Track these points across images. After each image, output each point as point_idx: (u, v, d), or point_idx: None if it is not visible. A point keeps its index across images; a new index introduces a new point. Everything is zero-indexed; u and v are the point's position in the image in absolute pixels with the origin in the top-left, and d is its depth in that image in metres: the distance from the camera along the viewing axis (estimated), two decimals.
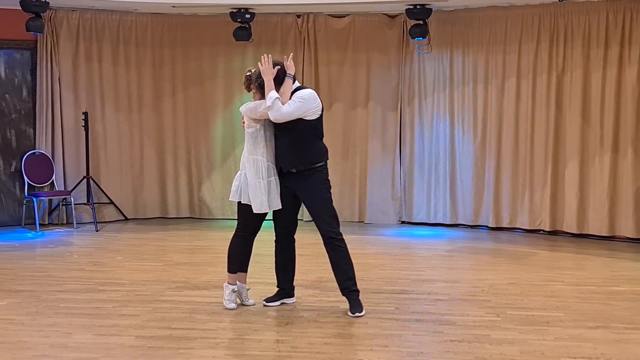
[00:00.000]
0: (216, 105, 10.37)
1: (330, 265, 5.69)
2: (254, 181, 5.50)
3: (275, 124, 5.52)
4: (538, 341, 5.06)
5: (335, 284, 6.46)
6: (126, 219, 10.30)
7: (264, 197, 5.49)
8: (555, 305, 5.96)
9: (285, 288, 5.91)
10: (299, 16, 10.13)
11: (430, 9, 9.19)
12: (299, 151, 5.53)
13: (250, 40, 9.77)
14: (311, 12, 10.04)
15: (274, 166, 5.60)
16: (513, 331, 5.27)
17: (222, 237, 9.08)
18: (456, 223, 9.85)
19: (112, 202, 10.13)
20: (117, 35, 10.12)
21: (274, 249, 5.88)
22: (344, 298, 5.81)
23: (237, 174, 5.70)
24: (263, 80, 5.46)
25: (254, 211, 5.52)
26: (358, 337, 5.14)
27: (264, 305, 5.84)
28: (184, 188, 10.49)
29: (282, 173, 5.64)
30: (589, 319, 5.59)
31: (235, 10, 9.46)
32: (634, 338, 5.14)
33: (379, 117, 10.05)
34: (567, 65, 9.02)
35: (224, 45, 10.16)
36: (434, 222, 9.94)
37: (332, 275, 6.66)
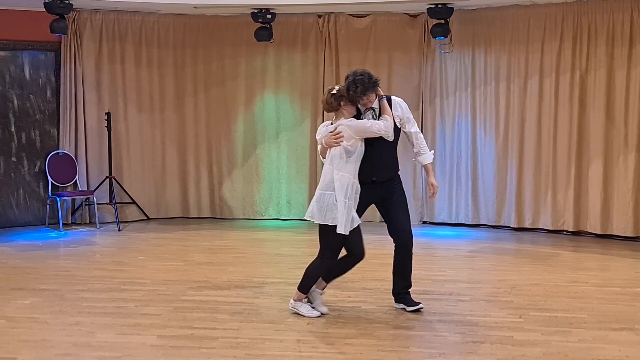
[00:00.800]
0: (237, 105, 10.40)
1: (393, 268, 5.75)
2: (343, 200, 5.34)
3: (367, 138, 5.52)
4: (561, 343, 5.01)
5: (356, 284, 6.47)
6: (148, 218, 10.35)
7: (349, 217, 5.35)
8: (579, 307, 5.91)
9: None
10: (319, 16, 10.12)
11: (452, 8, 9.14)
12: (392, 161, 5.67)
13: (272, 40, 9.78)
14: (332, 12, 10.03)
15: (357, 182, 5.49)
16: (536, 332, 5.22)
17: (243, 237, 9.15)
18: (478, 223, 9.79)
19: (134, 202, 10.18)
20: (140, 36, 10.17)
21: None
22: (365, 299, 5.82)
23: (319, 193, 5.42)
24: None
25: (337, 231, 5.31)
26: (379, 338, 5.12)
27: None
28: (205, 188, 10.53)
29: (365, 184, 5.57)
30: (614, 320, 5.53)
31: (256, 11, 9.48)
32: None
33: None
34: (590, 64, 8.93)
35: (245, 46, 10.18)
36: (455, 222, 9.89)
37: (354, 275, 6.65)
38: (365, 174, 5.55)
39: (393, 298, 5.85)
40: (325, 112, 5.56)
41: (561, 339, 5.09)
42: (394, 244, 5.74)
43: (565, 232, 9.24)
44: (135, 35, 10.14)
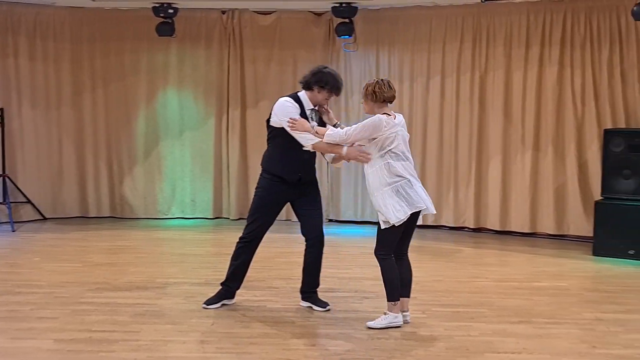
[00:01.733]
0: (138, 101, 10.13)
1: (304, 267, 5.73)
2: None
3: (293, 139, 5.45)
4: (463, 337, 5.11)
5: (262, 283, 6.42)
6: (44, 218, 9.96)
7: None
8: (479, 302, 6.04)
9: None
10: (224, 12, 10.00)
11: (356, 8, 9.21)
12: (314, 161, 5.68)
13: (174, 35, 9.58)
14: (236, 9, 9.92)
15: None
16: (438, 327, 5.31)
17: (145, 237, 8.93)
18: None
19: (29, 201, 9.78)
20: (34, 29, 9.76)
21: (235, 249, 5.70)
22: (271, 298, 5.78)
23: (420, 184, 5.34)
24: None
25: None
26: (285, 336, 5.08)
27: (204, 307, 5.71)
28: (105, 187, 10.21)
29: (290, 182, 5.55)
30: (512, 314, 5.69)
31: (157, 5, 9.25)
32: (554, 332, 5.25)
33: None
34: (489, 64, 9.17)
35: (146, 41, 9.92)
36: (361, 220, 9.97)
37: (260, 274, 6.59)
38: (294, 172, 5.53)
39: (300, 296, 5.83)
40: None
41: (463, 333, 5.20)
42: (306, 243, 5.71)
43: (466, 229, 9.46)
44: (29, 28, 9.72)
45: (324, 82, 5.46)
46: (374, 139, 5.16)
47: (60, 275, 6.81)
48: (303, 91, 5.58)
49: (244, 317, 5.51)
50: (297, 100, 5.52)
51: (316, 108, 5.57)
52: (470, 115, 9.30)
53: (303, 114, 5.47)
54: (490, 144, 9.21)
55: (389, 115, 5.23)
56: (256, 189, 5.67)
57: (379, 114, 5.21)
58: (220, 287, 5.76)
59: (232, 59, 10.04)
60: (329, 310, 5.69)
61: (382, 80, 5.33)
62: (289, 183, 5.55)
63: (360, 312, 5.66)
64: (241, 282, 5.75)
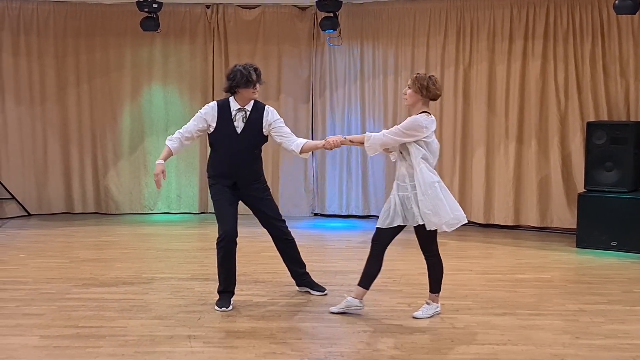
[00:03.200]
0: (123, 96, 10.10)
1: (282, 259, 5.96)
2: None
3: (219, 144, 5.56)
4: (447, 329, 5.16)
5: (248, 277, 6.46)
6: (29, 214, 9.93)
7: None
8: (464, 294, 6.10)
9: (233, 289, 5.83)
10: (208, 7, 9.98)
11: (341, 2, 9.23)
12: (253, 164, 5.75)
13: (158, 30, 9.55)
14: (220, 3, 9.91)
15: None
16: (424, 320, 5.36)
17: (131, 232, 8.93)
18: (368, 214, 9.94)
19: (13, 198, 9.74)
20: (18, 24, 9.71)
21: (218, 255, 5.63)
22: (257, 292, 5.80)
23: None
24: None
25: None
26: (271, 330, 5.11)
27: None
28: (90, 182, 10.18)
29: (229, 187, 5.62)
30: (496, 306, 5.74)
31: (142, 0, 9.23)
32: (538, 324, 5.31)
33: (290, 109, 10.02)
34: (473, 58, 9.22)
35: (131, 36, 9.90)
36: (346, 214, 10.00)
37: (246, 269, 6.63)
38: (229, 176, 5.61)
39: (295, 282, 6.02)
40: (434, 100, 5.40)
41: (447, 325, 5.25)
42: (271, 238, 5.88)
43: None
44: (12, 23, 9.67)
45: (236, 82, 5.50)
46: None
47: (46, 271, 6.80)
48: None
49: (231, 311, 5.52)
50: (225, 104, 5.60)
51: (246, 107, 5.57)
52: (455, 108, 9.34)
53: (229, 116, 5.54)
54: (474, 136, 9.26)
55: (429, 114, 5.28)
56: None
57: (421, 110, 5.29)
58: (220, 295, 5.66)
59: (217, 54, 10.03)
60: (326, 294, 5.86)
61: (433, 76, 5.32)
62: (228, 186, 5.63)
63: None
64: (235, 281, 5.74)
